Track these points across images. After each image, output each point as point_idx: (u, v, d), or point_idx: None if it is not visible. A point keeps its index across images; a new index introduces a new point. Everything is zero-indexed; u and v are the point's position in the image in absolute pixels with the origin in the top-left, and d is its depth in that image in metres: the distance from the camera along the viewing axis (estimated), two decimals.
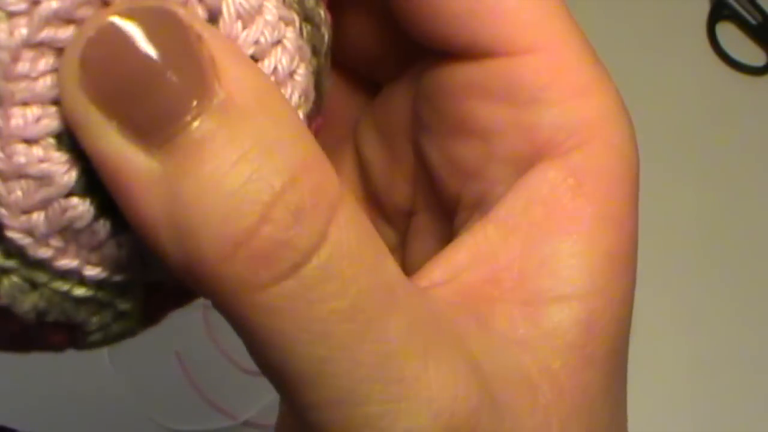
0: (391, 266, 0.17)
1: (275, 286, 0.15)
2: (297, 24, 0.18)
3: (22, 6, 0.15)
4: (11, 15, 0.15)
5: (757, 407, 0.58)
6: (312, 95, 0.19)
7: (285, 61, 0.17)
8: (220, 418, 0.56)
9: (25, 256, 0.17)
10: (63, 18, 0.16)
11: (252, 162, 0.15)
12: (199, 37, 0.15)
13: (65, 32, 0.16)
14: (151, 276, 0.18)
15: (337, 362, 0.16)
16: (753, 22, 0.67)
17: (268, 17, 0.17)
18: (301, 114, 0.18)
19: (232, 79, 0.15)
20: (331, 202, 0.16)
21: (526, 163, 0.20)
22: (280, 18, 0.17)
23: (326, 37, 0.19)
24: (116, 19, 0.15)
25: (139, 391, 0.54)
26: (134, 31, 0.15)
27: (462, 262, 0.19)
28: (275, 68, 0.17)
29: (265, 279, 0.15)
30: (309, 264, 0.15)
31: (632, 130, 0.20)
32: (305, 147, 0.16)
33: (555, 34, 0.19)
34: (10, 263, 0.17)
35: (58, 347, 0.19)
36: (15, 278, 0.17)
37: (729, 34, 0.67)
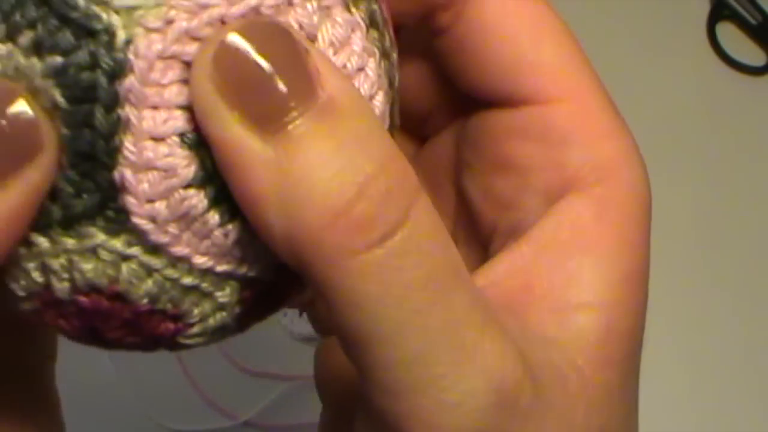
0: (455, 251, 0.20)
1: (367, 253, 0.18)
2: (377, 57, 0.21)
3: (158, 24, 0.18)
4: (149, 31, 0.18)
5: (758, 407, 0.58)
6: (387, 121, 0.21)
7: (366, 85, 0.21)
8: (220, 418, 0.56)
9: (144, 243, 0.19)
10: (190, 36, 0.19)
11: (349, 151, 0.18)
12: (307, 51, 0.18)
13: (191, 47, 0.19)
14: (247, 271, 0.20)
15: (412, 325, 0.19)
16: (753, 22, 0.67)
17: (355, 47, 0.20)
18: None
19: (332, 86, 0.18)
20: (412, 189, 0.19)
21: (555, 194, 0.23)
22: (364, 49, 0.20)
23: (397, 79, 0.22)
24: (235, 35, 0.18)
25: (139, 391, 0.54)
26: (249, 44, 0.18)
27: (501, 273, 0.23)
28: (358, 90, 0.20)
29: (359, 246, 0.18)
30: (395, 236, 0.18)
31: (645, 170, 0.24)
32: (390, 144, 0.19)
33: (581, 86, 0.24)
34: (131, 251, 0.19)
35: (164, 337, 0.21)
36: (133, 265, 0.20)
37: (729, 34, 0.67)
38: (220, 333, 0.22)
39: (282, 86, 0.18)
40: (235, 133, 0.18)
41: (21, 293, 0.21)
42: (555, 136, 0.23)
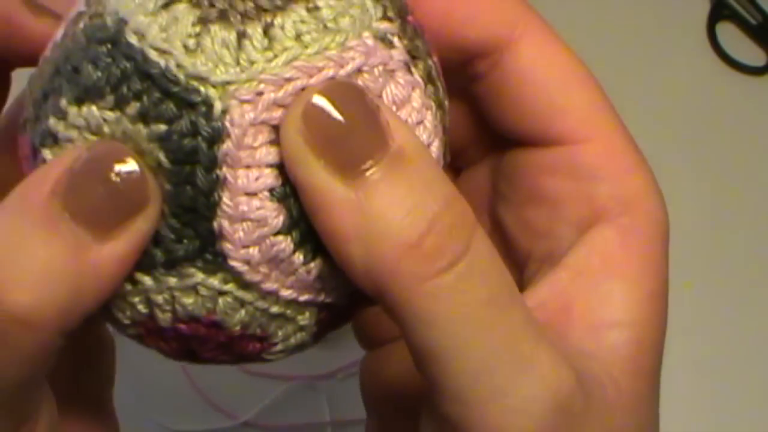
0: (509, 275, 0.22)
1: (437, 279, 0.21)
2: (433, 110, 0.24)
3: (250, 96, 0.22)
4: (242, 102, 0.22)
5: (759, 408, 0.58)
6: (442, 163, 0.25)
7: (425, 135, 0.24)
8: (220, 418, 0.56)
9: (239, 281, 0.22)
10: (277, 104, 0.22)
11: (418, 192, 0.21)
12: (378, 107, 0.22)
13: (278, 114, 0.22)
14: (325, 298, 0.24)
15: (476, 340, 0.21)
16: (753, 22, 0.67)
17: (414, 104, 0.23)
18: None
19: (400, 136, 0.22)
20: (471, 223, 0.22)
21: (585, 224, 0.26)
22: (423, 105, 0.24)
23: (448, 121, 0.25)
24: (319, 97, 0.21)
25: (139, 391, 0.54)
26: (330, 103, 0.21)
27: (543, 296, 0.26)
28: None
29: (430, 272, 0.21)
30: (460, 263, 0.21)
31: (663, 200, 0.27)
32: (451, 185, 0.22)
33: (606, 127, 0.26)
34: (227, 287, 0.23)
35: (251, 355, 0.24)
36: (228, 299, 0.23)
37: (729, 34, 0.67)
38: (298, 349, 0.25)
39: (359, 138, 0.21)
40: (321, 178, 0.21)
41: (126, 321, 0.24)
42: (584, 172, 0.26)
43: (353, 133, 0.21)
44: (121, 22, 0.22)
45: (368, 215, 0.21)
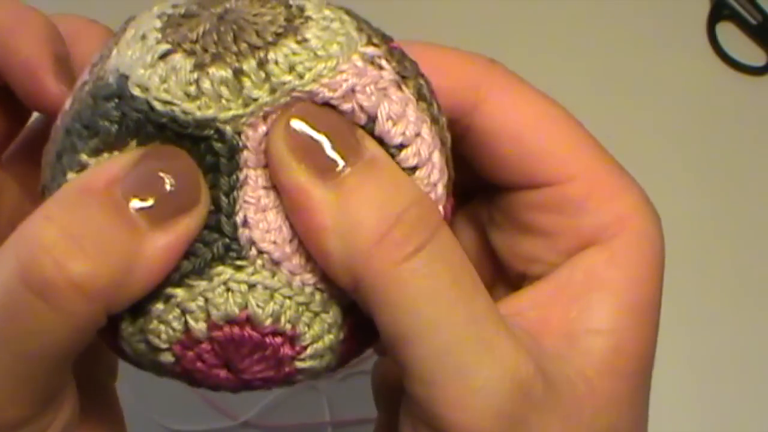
0: (472, 267, 0.24)
1: (404, 263, 0.23)
2: (429, 123, 0.26)
3: (258, 120, 0.24)
4: (252, 125, 0.24)
5: (759, 408, 0.58)
6: (446, 173, 0.27)
7: (424, 146, 0.26)
8: (220, 418, 0.56)
9: (266, 270, 0.25)
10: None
11: (389, 191, 0.24)
12: (353, 126, 0.24)
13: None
14: (343, 298, 0.25)
15: (441, 319, 0.23)
16: (753, 22, 0.67)
17: (410, 118, 0.25)
18: (440, 185, 0.26)
19: (372, 148, 0.24)
20: (436, 219, 0.24)
21: (577, 251, 0.27)
22: (418, 118, 0.26)
23: (449, 138, 0.27)
24: (297, 113, 0.24)
25: (139, 391, 0.54)
26: (307, 123, 0.24)
27: (522, 305, 0.27)
28: (418, 151, 0.25)
29: (398, 258, 0.23)
30: (425, 249, 0.23)
31: (656, 216, 0.28)
32: (417, 188, 0.25)
33: (586, 161, 0.28)
34: (255, 278, 0.24)
35: (284, 360, 0.25)
36: (259, 290, 0.25)
37: (729, 34, 0.67)
38: (326, 360, 0.26)
39: (336, 146, 0.24)
40: (302, 180, 0.24)
41: (163, 346, 0.25)
42: (572, 207, 0.28)
43: (330, 141, 0.24)
44: (123, 78, 0.24)
45: (345, 211, 0.23)
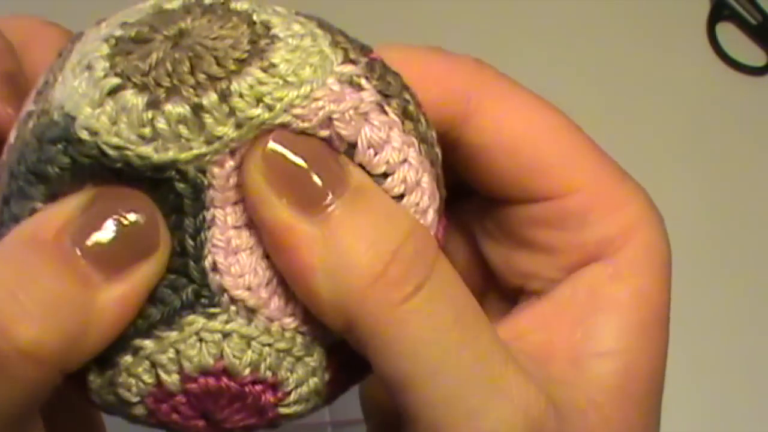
0: (473, 298, 0.23)
1: (404, 304, 0.21)
2: (416, 145, 0.23)
3: (224, 157, 0.22)
4: (217, 162, 0.22)
5: (760, 408, 0.58)
6: (437, 196, 0.24)
7: (411, 173, 0.23)
8: None
9: (241, 317, 0.22)
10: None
11: (381, 224, 0.22)
12: (335, 151, 0.22)
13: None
14: (327, 338, 0.23)
15: (446, 362, 0.22)
16: (753, 22, 0.67)
17: (395, 144, 0.23)
18: (431, 211, 0.24)
19: (357, 176, 0.22)
20: (433, 249, 0.22)
21: (579, 267, 0.26)
22: (403, 143, 0.23)
23: (439, 154, 0.25)
24: (275, 142, 0.22)
25: None
26: (285, 148, 0.22)
27: (523, 328, 0.25)
28: (405, 178, 0.23)
29: (397, 299, 0.21)
30: (425, 287, 0.22)
31: (662, 224, 0.26)
32: (410, 217, 0.23)
33: (587, 171, 0.26)
34: (230, 326, 0.22)
35: (267, 407, 0.23)
36: (234, 339, 0.22)
37: (729, 34, 0.67)
38: (312, 401, 0.24)
39: (319, 176, 0.22)
40: (284, 216, 0.22)
41: (134, 399, 0.23)
42: (573, 221, 0.26)
43: (312, 171, 0.22)
44: (69, 119, 0.22)
45: (333, 249, 0.21)
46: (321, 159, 0.22)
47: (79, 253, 0.21)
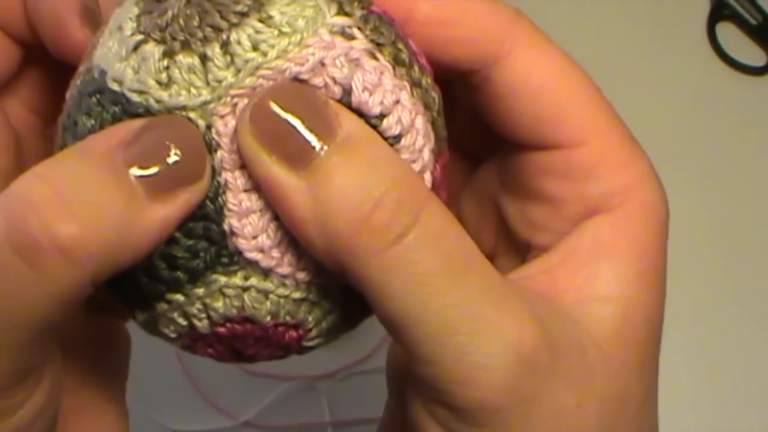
0: (469, 244, 0.24)
1: (387, 251, 0.22)
2: (408, 89, 0.25)
3: (228, 110, 0.24)
4: (222, 116, 0.24)
5: (760, 408, 0.58)
6: (432, 137, 0.26)
7: (405, 113, 0.25)
8: (220, 418, 0.56)
9: (258, 273, 0.24)
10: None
11: (365, 173, 0.23)
12: (326, 102, 0.23)
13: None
14: (339, 281, 0.24)
15: (433, 304, 0.23)
16: (753, 22, 0.67)
17: (387, 86, 0.24)
18: (426, 151, 0.25)
19: (348, 125, 0.23)
20: (421, 197, 0.23)
21: (583, 219, 0.27)
22: (395, 86, 0.25)
23: (436, 98, 0.26)
24: (263, 99, 0.23)
25: (139, 391, 0.54)
26: (274, 103, 0.23)
27: (532, 272, 0.27)
28: (399, 119, 0.25)
29: (381, 245, 0.22)
30: (408, 235, 0.22)
31: (661, 188, 0.28)
32: (400, 165, 0.24)
33: (599, 128, 0.27)
34: (248, 282, 0.24)
35: (292, 344, 0.26)
36: (253, 293, 0.25)
37: (729, 34, 0.67)
38: (334, 332, 0.27)
39: (306, 131, 0.23)
40: (274, 172, 0.23)
41: (173, 336, 0.26)
42: (579, 174, 0.27)
43: (299, 127, 0.23)
44: (103, 73, 0.25)
45: (320, 199, 0.22)
46: (310, 109, 0.23)
47: (128, 170, 0.22)
